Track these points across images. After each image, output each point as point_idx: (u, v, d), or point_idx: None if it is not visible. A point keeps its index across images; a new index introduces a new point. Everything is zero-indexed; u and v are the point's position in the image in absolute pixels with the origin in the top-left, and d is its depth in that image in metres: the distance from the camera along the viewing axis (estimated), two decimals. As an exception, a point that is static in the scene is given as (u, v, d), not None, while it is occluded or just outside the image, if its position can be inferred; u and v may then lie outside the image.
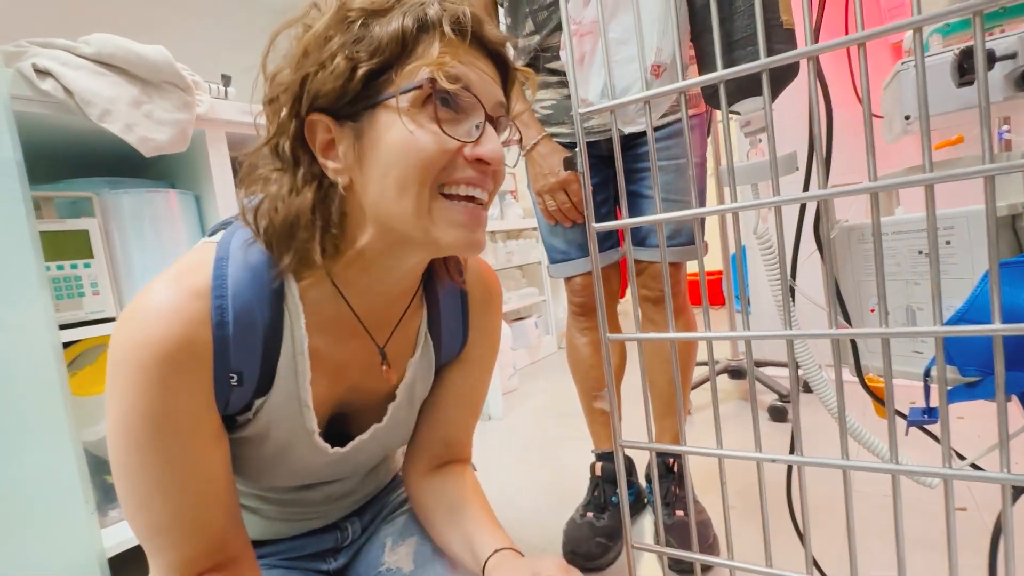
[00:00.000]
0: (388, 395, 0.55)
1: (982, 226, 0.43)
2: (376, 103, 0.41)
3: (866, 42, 0.39)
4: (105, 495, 0.92)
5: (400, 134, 0.41)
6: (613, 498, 1.06)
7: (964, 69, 0.42)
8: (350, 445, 0.53)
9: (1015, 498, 0.41)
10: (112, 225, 0.95)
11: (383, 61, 0.41)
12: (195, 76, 1.02)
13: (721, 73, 0.43)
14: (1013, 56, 0.41)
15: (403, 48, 0.41)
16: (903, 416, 0.46)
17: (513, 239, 2.83)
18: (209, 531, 0.43)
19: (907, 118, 0.47)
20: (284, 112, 0.43)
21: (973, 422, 0.57)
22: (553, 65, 0.95)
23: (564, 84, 0.95)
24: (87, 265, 0.90)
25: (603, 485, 1.08)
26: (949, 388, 0.41)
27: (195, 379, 0.41)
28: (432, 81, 0.40)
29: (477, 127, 0.43)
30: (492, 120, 0.45)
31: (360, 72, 0.40)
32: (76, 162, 1.09)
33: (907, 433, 0.46)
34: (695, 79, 0.44)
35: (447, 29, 0.41)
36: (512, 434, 1.77)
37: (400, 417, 0.56)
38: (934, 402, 0.43)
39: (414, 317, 0.55)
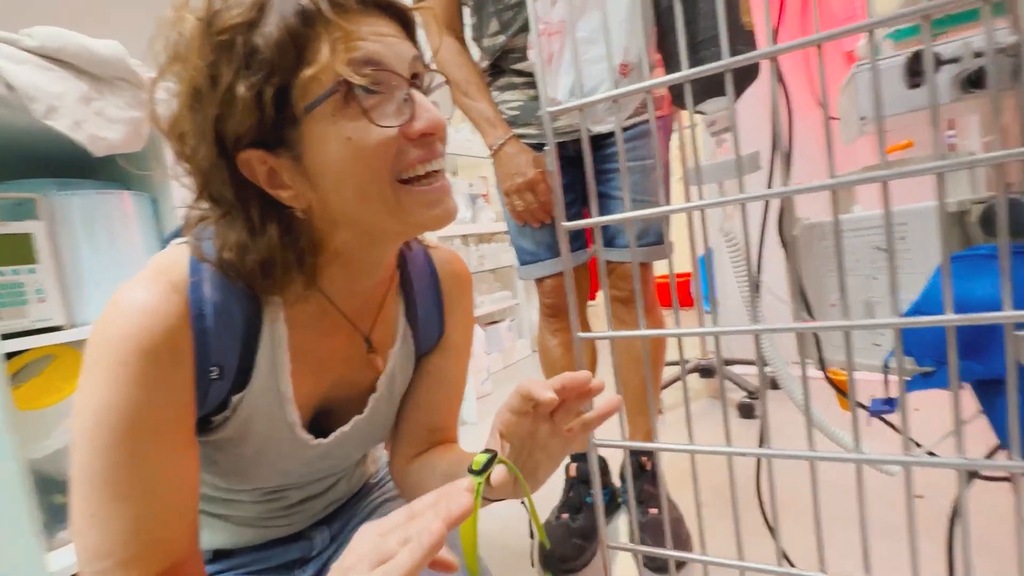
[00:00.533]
0: (369, 387, 0.55)
1: (933, 222, 0.45)
2: (299, 122, 0.39)
3: (823, 44, 0.40)
4: (53, 516, 0.86)
5: (338, 146, 0.39)
6: (588, 498, 1.06)
7: (914, 71, 0.44)
8: (332, 436, 0.52)
9: (969, 482, 0.43)
10: (60, 228, 0.90)
11: (283, 77, 0.38)
12: (151, 74, 0.98)
13: (686, 72, 0.43)
14: (958, 60, 0.43)
15: (297, 55, 0.38)
16: (865, 408, 0.48)
17: (485, 243, 2.83)
18: (166, 549, 0.40)
19: (862, 119, 0.49)
20: (208, 162, 0.40)
21: (928, 412, 0.60)
22: (520, 66, 0.95)
23: (531, 85, 0.95)
24: (31, 271, 0.85)
25: (577, 486, 1.08)
26: (907, 378, 0.42)
27: (175, 374, 0.40)
28: (344, 83, 0.38)
29: (405, 100, 0.41)
30: (415, 82, 0.42)
31: (267, 98, 0.38)
32: (21, 162, 1.03)
33: (868, 423, 0.47)
34: (662, 78, 0.45)
35: (326, 11, 0.38)
36: (487, 439, 1.75)
37: (381, 409, 0.56)
38: (893, 392, 0.44)
39: (392, 307, 0.55)
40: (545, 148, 0.77)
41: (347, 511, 0.65)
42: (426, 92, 0.45)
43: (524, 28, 0.90)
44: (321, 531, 0.62)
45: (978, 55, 0.42)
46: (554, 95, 0.75)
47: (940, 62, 0.44)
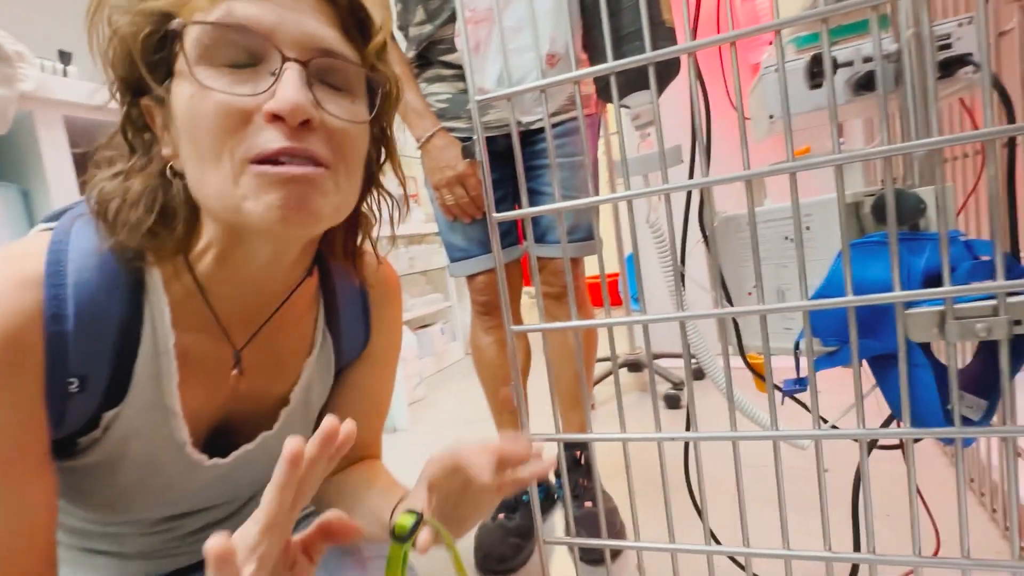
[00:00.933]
0: (281, 400, 0.49)
1: (834, 212, 0.49)
2: (171, 72, 0.36)
3: (736, 41, 0.42)
4: None
5: (184, 101, 0.35)
6: (524, 496, 1.05)
7: (814, 73, 0.48)
8: (233, 455, 0.46)
9: (869, 451, 0.47)
10: None
11: (160, 13, 0.35)
12: (18, 46, 0.85)
13: (612, 64, 0.44)
14: (850, 64, 0.47)
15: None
16: (780, 389, 0.51)
17: (415, 244, 2.77)
18: None
19: (771, 117, 0.52)
20: (120, 100, 0.39)
21: (833, 394, 0.65)
22: (448, 58, 0.93)
23: (459, 77, 0.93)
24: None
25: (514, 486, 1.07)
26: (815, 358, 0.45)
27: (16, 386, 0.33)
28: (202, 36, 0.34)
29: (273, 74, 0.34)
30: (304, 64, 0.35)
31: (142, 36, 0.35)
32: None
33: (783, 403, 0.50)
34: (589, 69, 0.45)
35: None
36: (420, 445, 1.71)
37: (294, 424, 0.51)
38: (804, 372, 0.48)
39: (308, 313, 0.50)
40: (473, 139, 0.76)
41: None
42: (342, 90, 0.38)
43: (452, 18, 0.89)
44: (234, 557, 0.56)
45: (867, 60, 0.47)
46: (482, 84, 0.74)
47: (836, 65, 0.48)
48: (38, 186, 0.89)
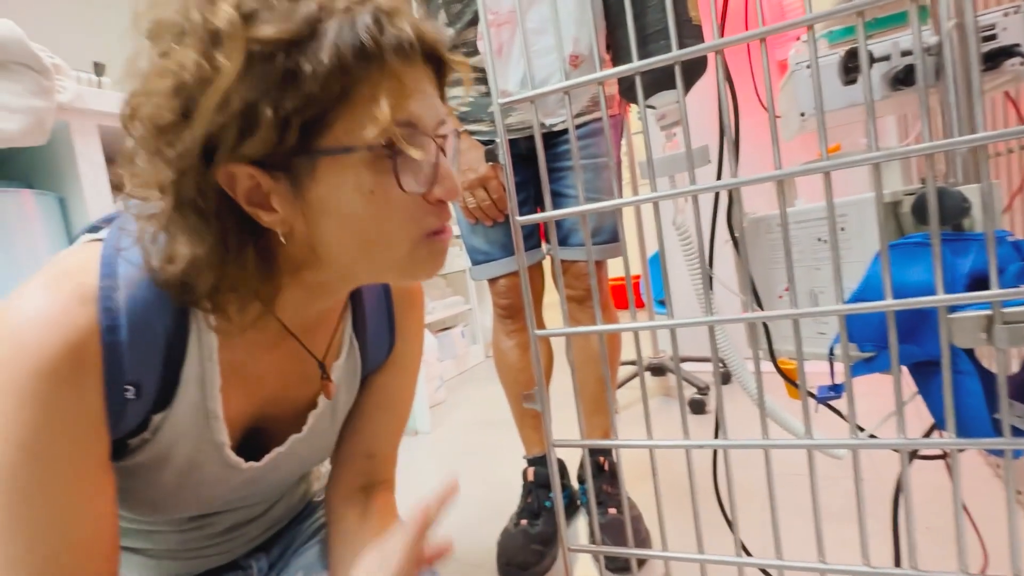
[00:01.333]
0: (309, 403, 0.50)
1: (870, 213, 0.47)
2: (314, 155, 0.36)
3: (767, 37, 0.41)
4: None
5: (356, 195, 0.37)
6: (547, 502, 1.04)
7: (849, 68, 0.46)
8: (266, 459, 0.47)
9: (910, 461, 0.45)
10: (-54, 232, 0.79)
11: (317, 110, 0.34)
12: (55, 59, 0.88)
13: (637, 64, 0.43)
14: (887, 58, 0.46)
15: (342, 89, 0.34)
16: (813, 395, 0.49)
17: (436, 248, 2.78)
18: None
19: (802, 115, 0.50)
20: (187, 163, 0.34)
21: (870, 400, 0.62)
22: (470, 61, 0.93)
23: (481, 80, 0.93)
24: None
25: (536, 491, 1.06)
26: (851, 364, 0.44)
27: (82, 395, 0.35)
28: (391, 146, 0.36)
29: (431, 162, 0.40)
30: (441, 143, 0.41)
31: (293, 126, 0.34)
32: None
33: (816, 410, 0.49)
34: (613, 69, 0.44)
35: (389, 58, 0.35)
36: (441, 448, 1.71)
37: (322, 427, 0.52)
38: (839, 379, 0.46)
39: (339, 319, 0.51)
40: (496, 142, 0.76)
41: (287, 534, 0.60)
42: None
43: (473, 22, 0.89)
44: (259, 558, 0.57)
45: (906, 54, 0.45)
46: (505, 87, 0.74)
47: (872, 60, 0.46)
48: (75, 194, 0.92)
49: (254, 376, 0.45)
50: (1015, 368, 0.44)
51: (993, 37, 0.43)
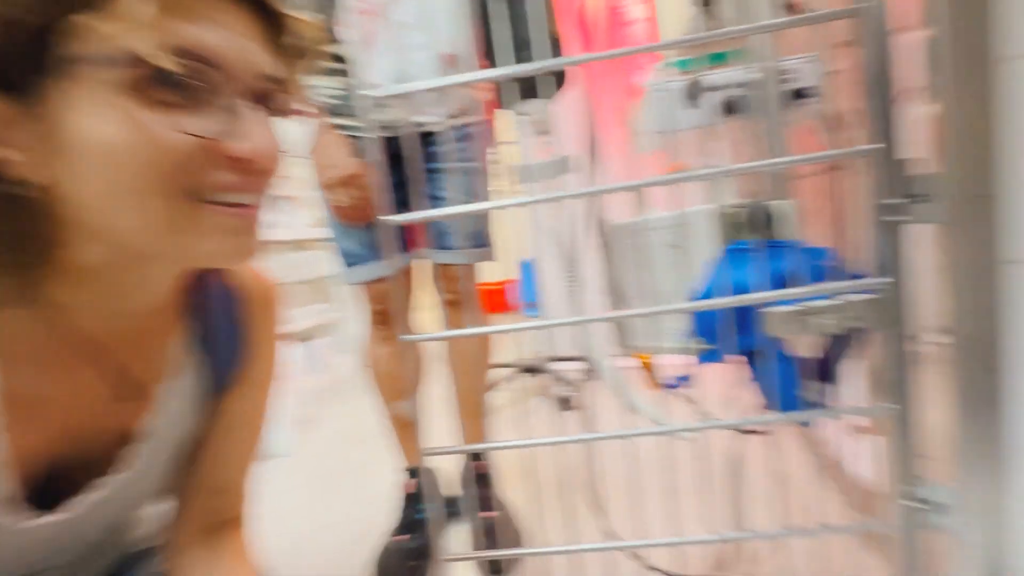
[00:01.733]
0: (127, 438, 0.41)
1: (707, 223, 0.54)
2: (57, 72, 0.28)
3: (624, 59, 0.45)
4: None
5: (118, 129, 0.29)
6: (418, 515, 1.01)
7: (692, 94, 0.52)
8: (75, 507, 0.38)
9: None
10: None
11: (61, 8, 0.27)
12: None
13: (512, 69, 0.44)
14: (721, 88, 0.53)
15: None
16: (666, 386, 0.54)
17: (299, 250, 2.56)
18: None
19: (658, 132, 0.56)
20: None
21: (712, 388, 0.71)
22: (335, 49, 0.87)
23: (347, 72, 0.88)
24: None
25: (411, 504, 1.03)
26: (699, 354, 0.49)
27: None
28: (140, 60, 0.28)
29: (227, 109, 0.31)
30: (256, 96, 0.33)
31: (28, 23, 0.27)
32: None
33: (668, 398, 0.54)
34: (489, 71, 0.45)
35: None
36: (308, 469, 1.57)
37: (154, 462, 0.43)
38: (685, 370, 0.51)
39: (168, 331, 0.43)
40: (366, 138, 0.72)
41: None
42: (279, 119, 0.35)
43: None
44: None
45: (740, 85, 0.52)
46: (372, 80, 0.70)
47: (705, 88, 0.53)
48: None
49: (46, 406, 0.36)
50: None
51: (794, 80, 0.52)
